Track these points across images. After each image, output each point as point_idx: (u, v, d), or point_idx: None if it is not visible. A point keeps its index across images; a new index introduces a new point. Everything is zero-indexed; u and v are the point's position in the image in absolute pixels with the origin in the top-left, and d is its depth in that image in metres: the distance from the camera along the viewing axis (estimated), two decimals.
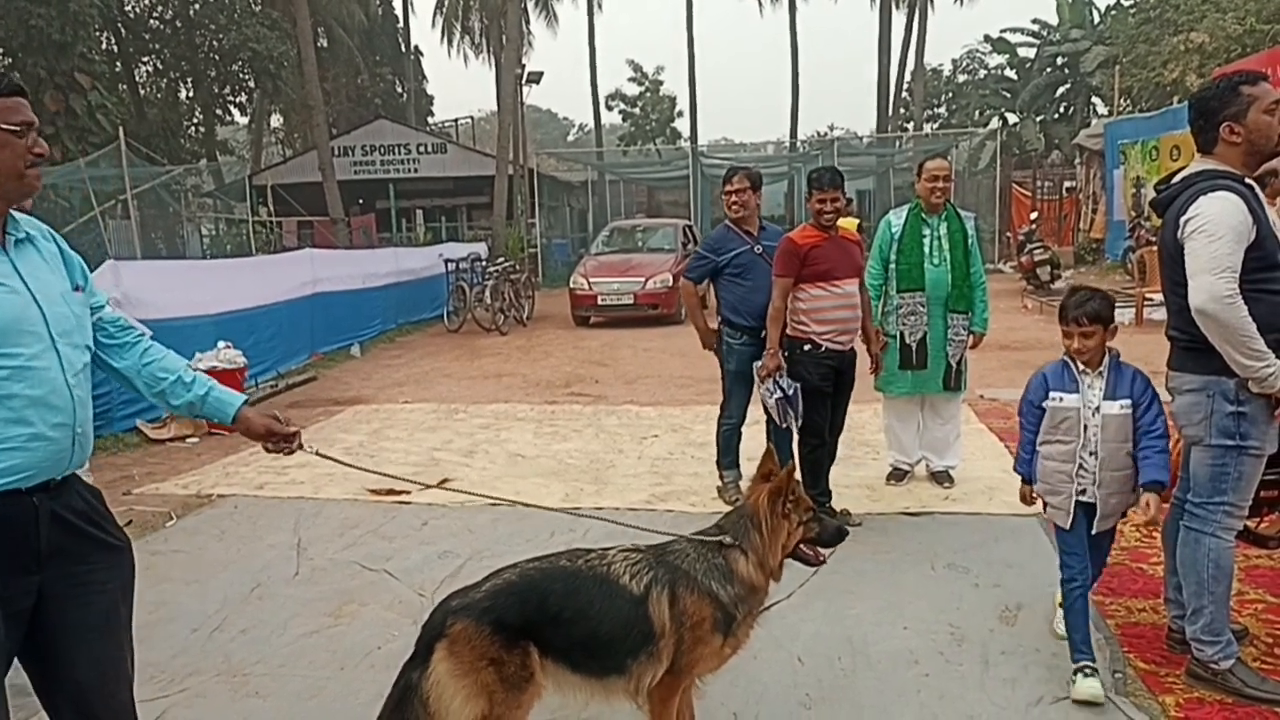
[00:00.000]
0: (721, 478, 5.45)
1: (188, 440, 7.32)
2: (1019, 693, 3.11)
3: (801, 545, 2.66)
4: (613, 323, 14.56)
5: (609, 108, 40.95)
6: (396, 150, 27.10)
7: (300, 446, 2.50)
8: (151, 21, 27.95)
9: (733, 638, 2.57)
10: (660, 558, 2.59)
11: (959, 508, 5.07)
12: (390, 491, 5.65)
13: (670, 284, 14.39)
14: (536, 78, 24.40)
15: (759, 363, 4.88)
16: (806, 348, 4.75)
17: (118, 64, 26.66)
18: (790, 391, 4.77)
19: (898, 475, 5.54)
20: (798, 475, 2.72)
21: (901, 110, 35.76)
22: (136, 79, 28.17)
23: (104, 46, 25.86)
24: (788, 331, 4.79)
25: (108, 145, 17.12)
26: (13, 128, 2.00)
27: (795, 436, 4.89)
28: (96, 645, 2.15)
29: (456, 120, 36.65)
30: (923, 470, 5.58)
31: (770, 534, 2.58)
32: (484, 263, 15.89)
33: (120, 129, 17.01)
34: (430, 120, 37.84)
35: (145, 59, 28.61)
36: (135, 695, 2.42)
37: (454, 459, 6.53)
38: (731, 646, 2.59)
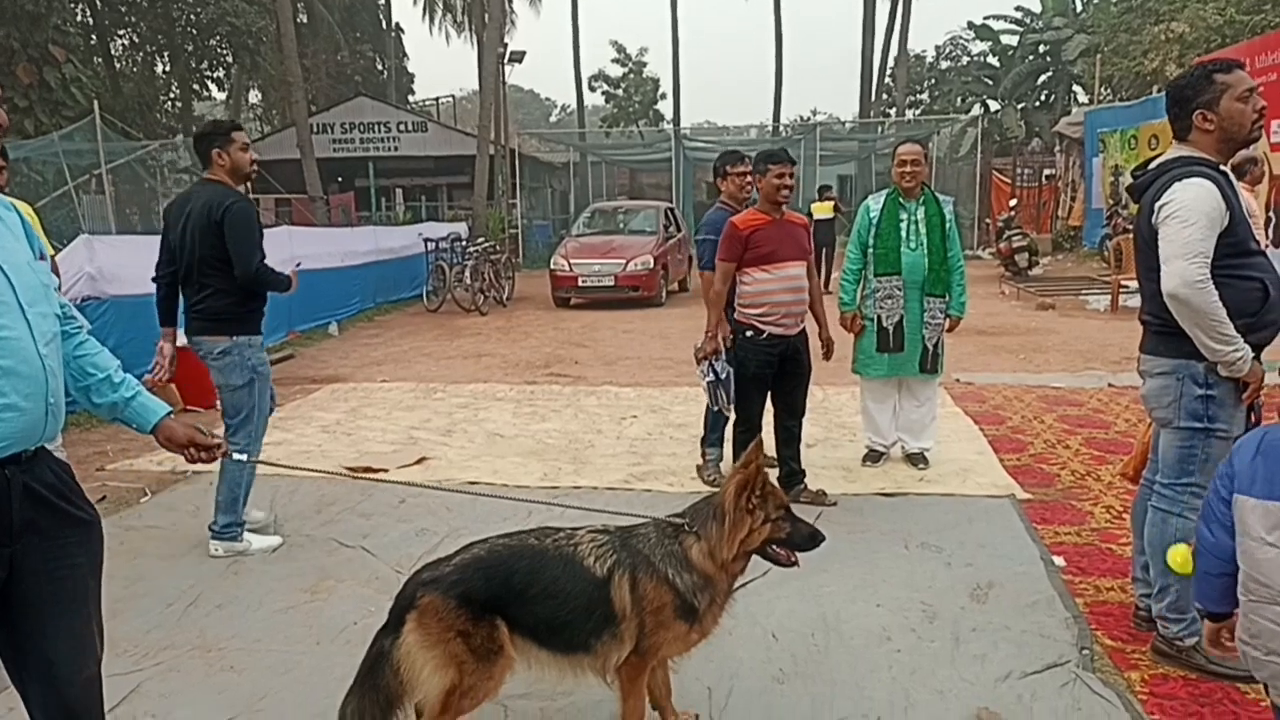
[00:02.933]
0: (704, 455, 5.48)
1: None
2: (989, 668, 3.16)
3: (772, 545, 2.60)
4: (593, 304, 14.55)
5: (592, 89, 40.76)
6: (376, 128, 26.87)
7: (226, 455, 2.50)
8: None
9: (699, 625, 2.57)
10: (625, 541, 2.60)
11: (933, 489, 5.12)
12: (368, 469, 5.63)
13: (651, 266, 14.39)
14: (519, 57, 24.22)
15: (697, 344, 4.92)
16: (749, 334, 4.78)
17: (93, 37, 26.23)
18: (723, 376, 4.81)
19: (873, 457, 5.58)
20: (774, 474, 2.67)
21: (884, 96, 35.79)
22: (112, 52, 27.73)
23: (79, 19, 25.45)
24: (735, 317, 4.82)
25: (82, 119, 16.86)
26: None
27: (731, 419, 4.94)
28: (66, 620, 2.14)
29: (438, 99, 36.34)
30: (898, 452, 5.63)
31: (730, 527, 2.51)
32: (464, 243, 15.81)
33: (95, 102, 16.76)
34: (411, 99, 37.51)
35: (121, 32, 28.17)
36: (106, 669, 2.42)
37: (432, 438, 6.51)
38: (699, 633, 2.60)
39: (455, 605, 2.43)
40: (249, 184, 4.40)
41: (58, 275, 5.95)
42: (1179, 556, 2.83)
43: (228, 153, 4.32)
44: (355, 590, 3.92)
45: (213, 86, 31.08)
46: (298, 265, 5.02)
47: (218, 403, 7.72)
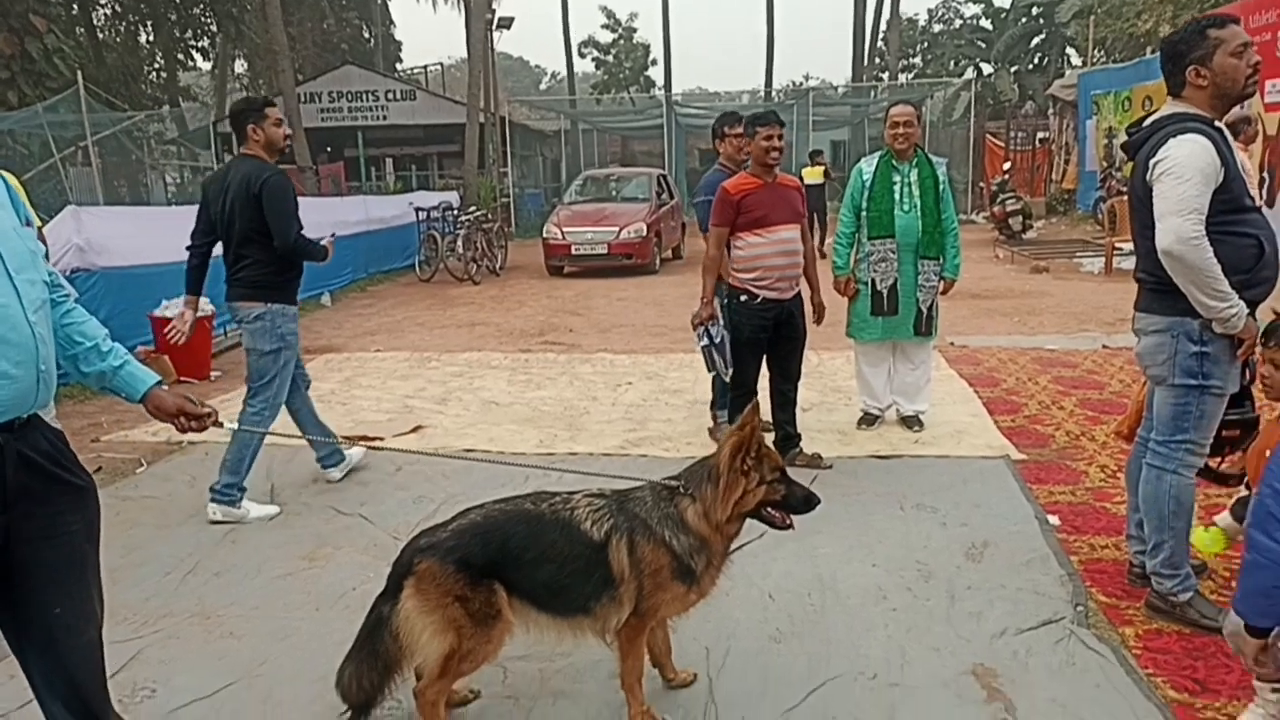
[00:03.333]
0: (714, 418, 5.54)
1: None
2: (984, 625, 3.18)
3: (767, 508, 2.59)
4: (586, 272, 14.50)
5: (582, 55, 40.42)
6: (365, 97, 26.56)
7: (217, 424, 2.46)
8: None
9: (697, 585, 2.58)
10: (621, 504, 2.60)
11: (928, 451, 5.14)
12: (363, 438, 5.63)
13: (644, 233, 14.32)
14: (507, 23, 23.94)
15: (693, 311, 4.91)
16: (743, 298, 4.77)
17: (74, 6, 25.78)
18: (718, 340, 4.81)
19: (869, 420, 5.60)
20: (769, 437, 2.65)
21: (877, 60, 35.50)
22: (94, 22, 27.26)
23: None
24: (729, 282, 4.80)
25: (66, 90, 16.63)
26: None
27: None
28: (64, 586, 2.14)
29: (426, 67, 35.95)
30: (893, 415, 5.64)
31: (724, 488, 2.51)
32: (456, 212, 15.71)
33: (79, 73, 16.52)
34: (399, 67, 37.09)
35: (102, 1, 27.70)
36: (106, 637, 2.43)
37: (427, 406, 6.51)
38: (697, 594, 2.61)
39: (453, 570, 2.44)
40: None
41: (45, 246, 5.94)
42: (1209, 537, 2.92)
43: (262, 128, 4.48)
44: (353, 557, 3.93)
45: (197, 56, 30.68)
46: (333, 236, 5.18)
47: (212, 373, 7.75)
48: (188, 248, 4.69)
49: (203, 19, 27.80)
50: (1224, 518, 3.24)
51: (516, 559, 2.49)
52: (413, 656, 2.48)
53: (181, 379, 7.40)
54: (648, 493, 2.63)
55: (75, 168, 17.71)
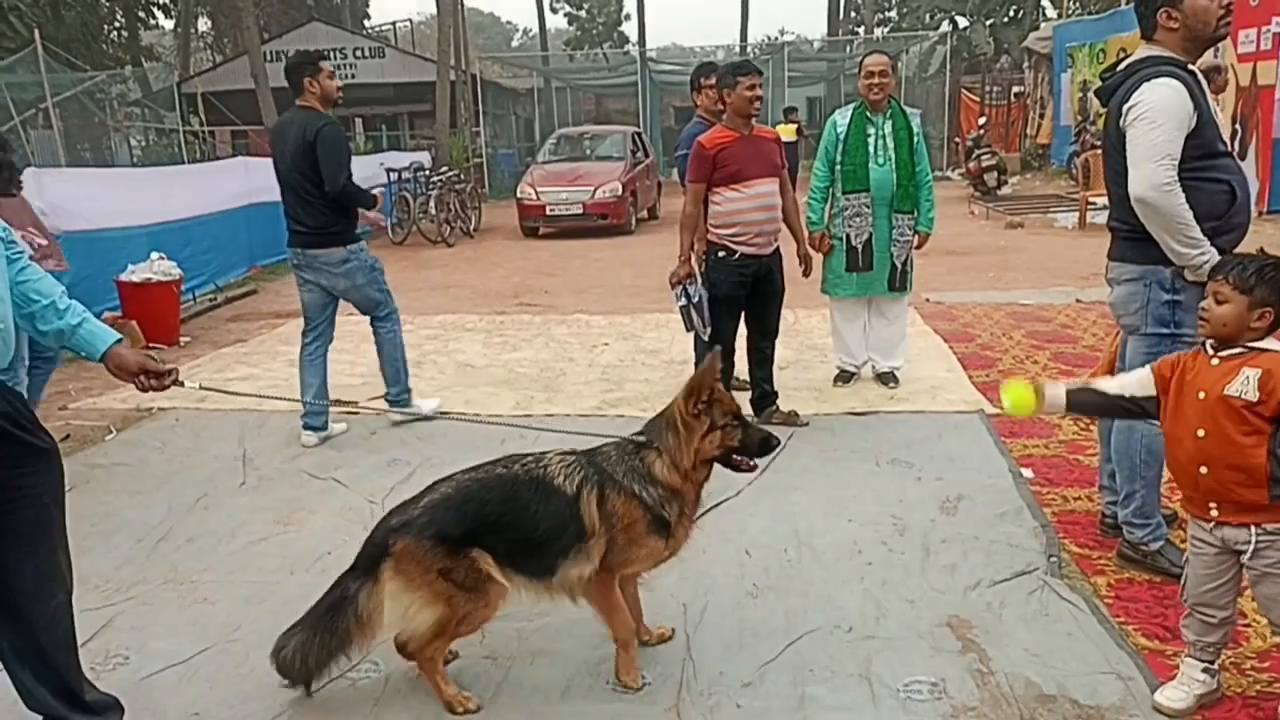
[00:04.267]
0: None
1: None
2: (958, 577, 3.21)
3: (728, 454, 2.59)
4: (562, 233, 14.38)
5: (554, 10, 39.79)
6: (332, 55, 25.71)
7: (178, 383, 2.42)
8: None
9: (672, 539, 2.58)
10: (590, 459, 2.60)
11: (904, 406, 5.16)
12: (337, 401, 5.56)
13: (620, 193, 14.19)
14: None
15: (671, 270, 4.87)
16: (721, 254, 4.72)
17: None
18: (696, 299, 4.77)
19: (845, 377, 5.60)
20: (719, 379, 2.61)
21: (853, 14, 35.19)
22: None
23: None
24: (709, 238, 4.75)
25: (23, 50, 16.17)
26: None
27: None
28: (29, 549, 2.11)
29: (395, 23, 35.38)
30: (869, 372, 5.65)
31: (684, 435, 2.52)
32: (428, 172, 15.47)
33: (36, 32, 16.06)
34: (367, 23, 36.34)
35: None
36: (78, 605, 2.40)
37: None
38: (671, 548, 2.61)
39: (430, 545, 2.42)
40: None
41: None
42: (1014, 395, 2.54)
43: (318, 81, 4.74)
44: (328, 520, 3.91)
45: (159, 14, 29.89)
46: (380, 186, 5.35)
47: (181, 339, 7.63)
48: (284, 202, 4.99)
49: None
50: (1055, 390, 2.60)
51: (494, 523, 2.48)
52: (374, 636, 2.50)
53: (150, 344, 7.28)
54: (614, 448, 2.63)
55: (36, 130, 17.29)
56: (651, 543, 2.55)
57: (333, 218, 4.79)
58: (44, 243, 4.35)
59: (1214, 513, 2.32)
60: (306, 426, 4.96)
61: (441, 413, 5.33)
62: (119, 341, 2.31)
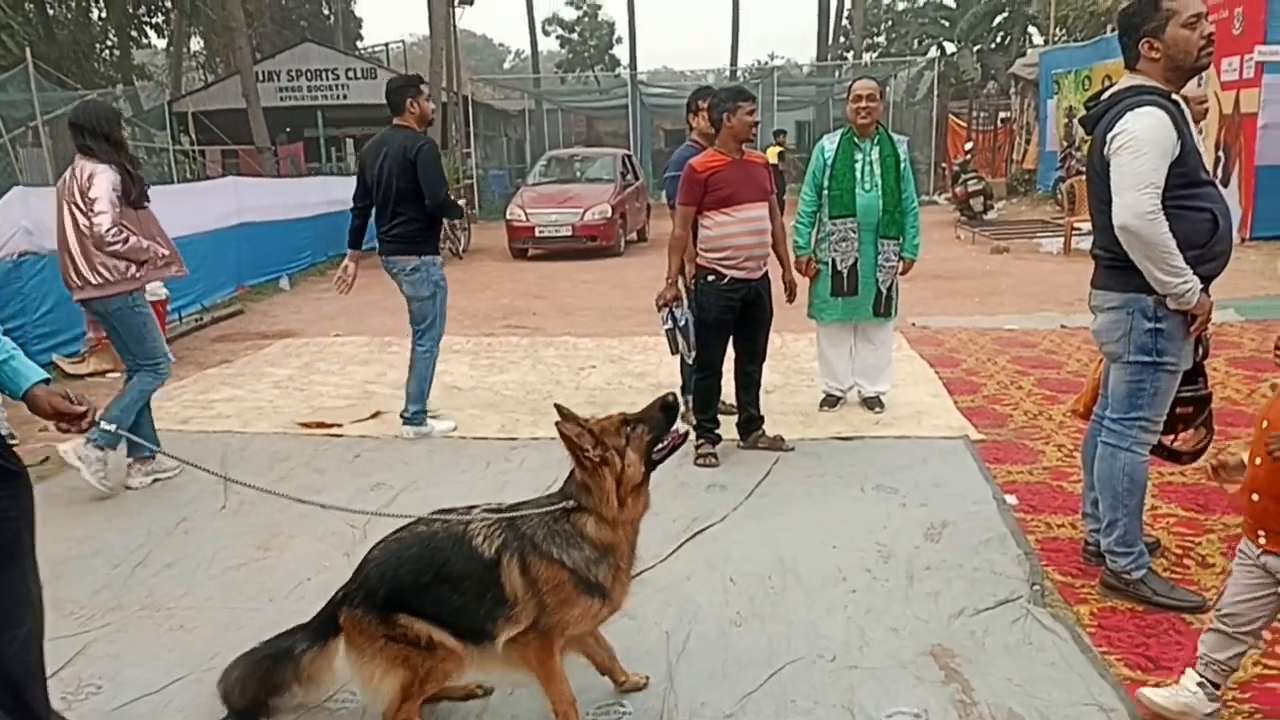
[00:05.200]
0: (686, 404, 5.42)
1: (108, 375, 7.07)
2: (941, 605, 3.20)
3: (653, 455, 2.44)
4: (551, 255, 14.40)
5: (546, 33, 40.07)
6: (324, 75, 26.09)
7: (94, 424, 2.36)
8: None
9: (608, 598, 2.45)
10: (511, 523, 2.46)
11: (889, 431, 5.16)
12: (320, 424, 5.54)
13: (609, 215, 14.24)
14: (470, 0, 23.59)
15: (658, 292, 4.87)
16: (710, 278, 4.71)
17: None
18: (682, 322, 4.77)
19: (830, 402, 5.60)
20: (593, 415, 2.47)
21: (842, 39, 35.55)
22: None
23: None
24: (698, 262, 4.76)
25: (14, 68, 16.14)
26: None
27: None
28: None
29: (387, 45, 35.44)
30: (855, 396, 5.65)
31: (604, 483, 2.37)
32: None
33: (28, 50, 16.04)
34: (359, 45, 36.48)
35: None
36: (52, 632, 2.36)
37: (388, 391, 6.42)
38: (610, 607, 2.47)
39: (362, 613, 2.40)
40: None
41: None
42: None
43: (418, 102, 5.18)
44: (309, 546, 3.87)
45: (152, 33, 29.94)
46: (464, 199, 5.60)
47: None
48: (350, 210, 5.50)
49: None
50: None
51: (414, 584, 2.40)
52: (373, 702, 2.47)
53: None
54: (533, 514, 2.46)
55: (25, 148, 17.22)
56: (584, 602, 2.41)
57: (415, 229, 5.17)
58: (166, 252, 4.67)
59: (1261, 540, 2.34)
60: (406, 423, 5.33)
61: (444, 433, 5.30)
62: (42, 381, 2.27)
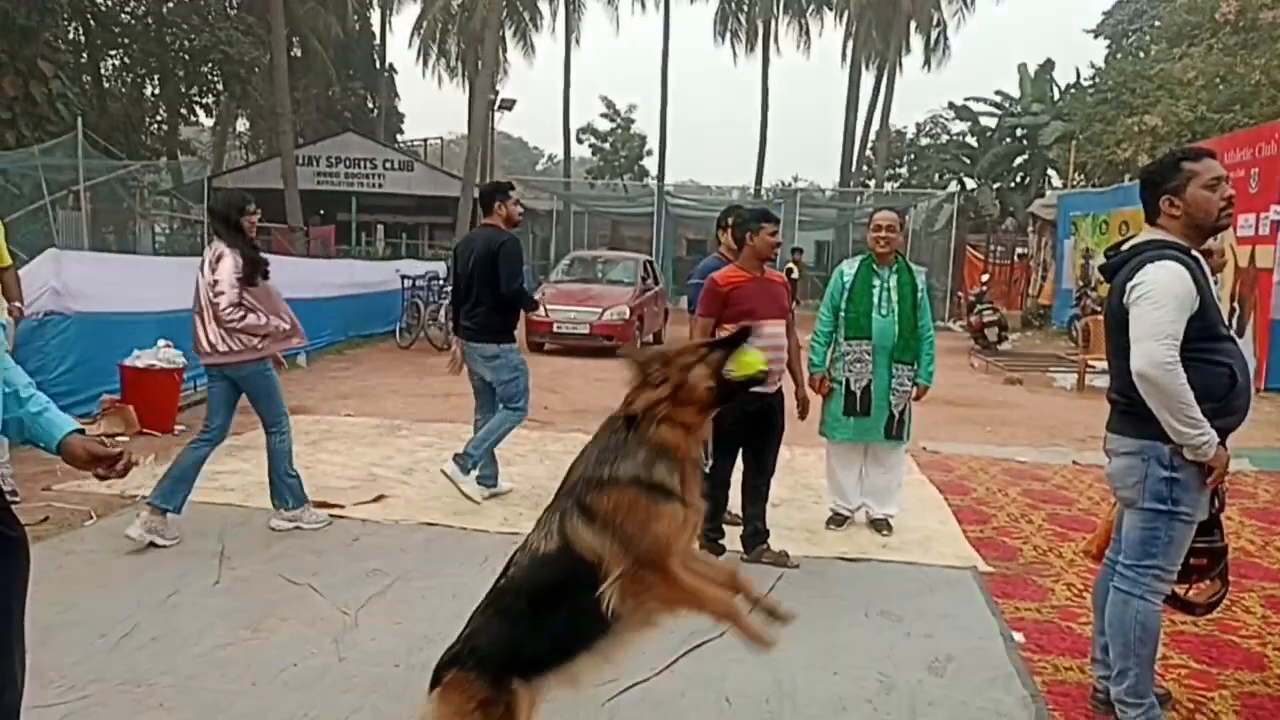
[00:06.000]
0: None
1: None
2: None
3: (723, 374, 2.24)
4: (567, 350, 14.50)
5: (579, 141, 41.25)
6: (362, 164, 26.93)
7: (132, 464, 2.35)
8: (123, 16, 27.53)
9: (687, 500, 2.25)
10: (553, 502, 2.36)
11: (896, 556, 5.08)
12: (323, 504, 5.50)
13: (627, 316, 14.39)
14: (509, 105, 24.52)
15: None
16: None
17: (84, 55, 26.21)
18: None
19: (837, 521, 5.54)
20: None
21: (864, 168, 36.52)
22: (102, 71, 27.67)
23: (70, 36, 25.44)
24: None
25: (66, 135, 16.74)
26: None
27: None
28: None
29: (426, 140, 36.61)
30: (863, 517, 5.59)
31: (656, 395, 2.22)
32: (441, 282, 15.76)
33: (79, 119, 16.66)
34: (399, 138, 37.70)
35: (113, 52, 28.14)
36: (29, 700, 2.30)
37: (392, 475, 6.40)
38: (694, 510, 2.29)
39: (473, 677, 2.29)
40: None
41: (19, 287, 5.88)
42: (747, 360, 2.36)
43: (506, 206, 5.73)
44: (298, 630, 3.79)
45: (201, 112, 31.07)
46: (543, 293, 5.98)
47: (176, 428, 7.59)
48: (450, 303, 6.46)
49: (210, 76, 28.23)
50: None
51: (521, 624, 2.29)
52: None
53: (145, 430, 7.27)
54: (575, 473, 2.33)
55: (65, 211, 17.70)
56: (666, 510, 2.20)
57: (494, 319, 5.67)
58: (286, 326, 5.11)
59: None
60: (455, 458, 5.70)
61: (427, 525, 5.25)
62: (77, 432, 2.27)
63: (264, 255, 5.11)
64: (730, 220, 5.56)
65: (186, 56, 27.35)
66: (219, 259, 4.86)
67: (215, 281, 4.81)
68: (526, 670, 2.31)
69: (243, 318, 4.82)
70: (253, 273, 4.91)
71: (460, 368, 6.03)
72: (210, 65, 27.01)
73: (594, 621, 2.25)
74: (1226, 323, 3.10)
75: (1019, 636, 4.01)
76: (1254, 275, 11.80)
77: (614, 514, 2.19)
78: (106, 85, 27.80)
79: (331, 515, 5.36)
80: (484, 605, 2.46)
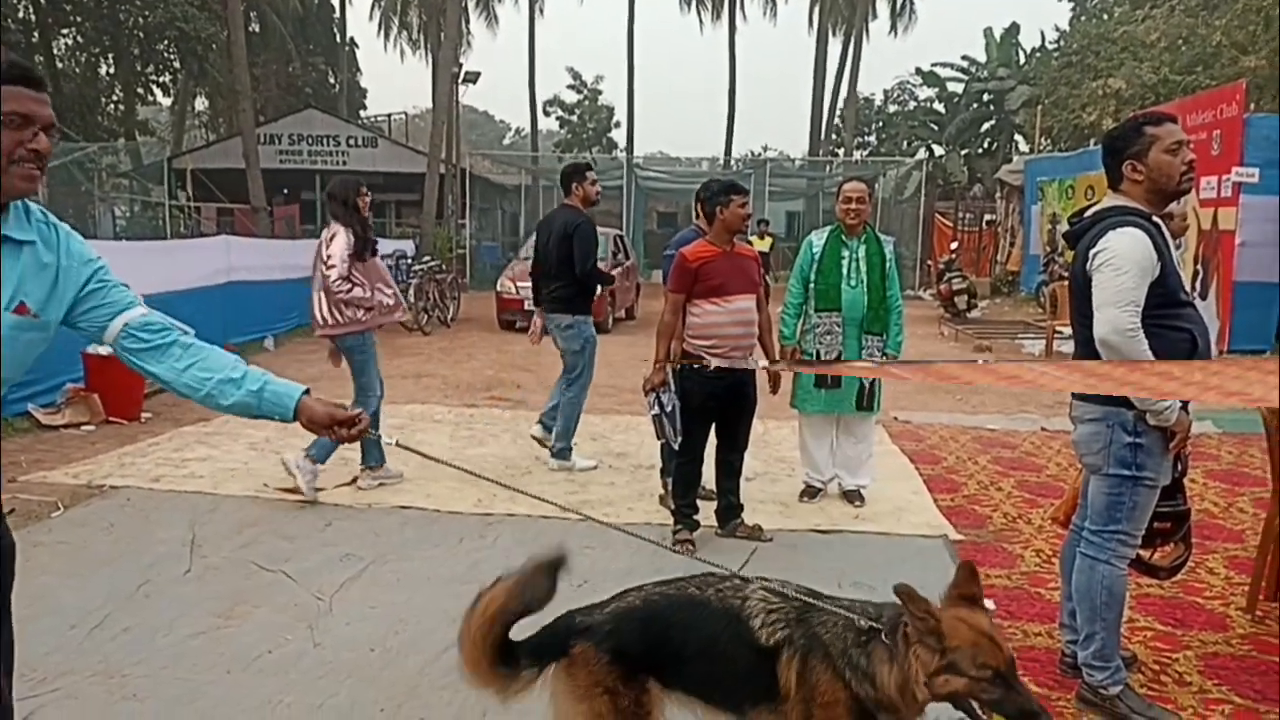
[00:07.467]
0: (665, 485, 5.37)
1: (82, 427, 6.99)
2: None
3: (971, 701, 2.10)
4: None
5: (546, 113, 40.89)
6: (325, 141, 26.53)
7: (368, 430, 2.27)
8: None
9: None
10: (802, 615, 2.28)
11: (868, 527, 5.13)
12: (294, 490, 5.46)
13: (598, 292, 14.34)
14: (474, 78, 24.19)
15: (645, 376, 4.89)
16: (696, 366, 4.76)
17: (34, 34, 25.54)
18: (669, 408, 4.77)
19: (810, 493, 5.58)
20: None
21: (833, 136, 36.53)
22: (54, 51, 27.02)
23: (21, 15, 24.78)
24: (684, 348, 4.78)
25: None
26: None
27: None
28: None
29: (390, 115, 36.09)
30: (835, 488, 5.64)
31: (911, 656, 2.12)
32: (409, 261, 15.62)
33: None
34: (363, 114, 37.19)
35: (65, 31, 27.49)
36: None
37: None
38: None
39: (607, 660, 2.25)
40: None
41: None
42: None
43: (583, 187, 6.09)
44: (271, 617, 3.77)
45: (158, 91, 30.47)
46: (616, 269, 6.05)
47: (143, 415, 7.49)
48: (530, 274, 6.80)
49: (166, 54, 27.63)
50: None
51: (676, 653, 2.29)
52: None
53: (110, 418, 7.17)
54: (837, 622, 2.26)
55: None
56: None
57: (571, 292, 6.08)
58: (390, 301, 5.59)
59: None
60: (554, 456, 6.17)
61: (400, 508, 5.23)
62: (306, 393, 2.14)
63: (373, 237, 5.62)
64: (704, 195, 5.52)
65: (141, 34, 26.77)
66: (333, 237, 5.34)
67: (329, 256, 5.29)
68: (661, 678, 2.31)
69: (350, 290, 5.28)
70: (363, 249, 5.38)
71: (540, 338, 6.47)
72: (166, 42, 26.48)
73: (731, 705, 2.32)
74: (1188, 287, 3.14)
75: (990, 604, 4.01)
76: (1217, 237, 11.95)
77: (819, 695, 2.19)
78: (60, 65, 27.14)
79: (303, 500, 5.32)
80: (657, 603, 2.39)
